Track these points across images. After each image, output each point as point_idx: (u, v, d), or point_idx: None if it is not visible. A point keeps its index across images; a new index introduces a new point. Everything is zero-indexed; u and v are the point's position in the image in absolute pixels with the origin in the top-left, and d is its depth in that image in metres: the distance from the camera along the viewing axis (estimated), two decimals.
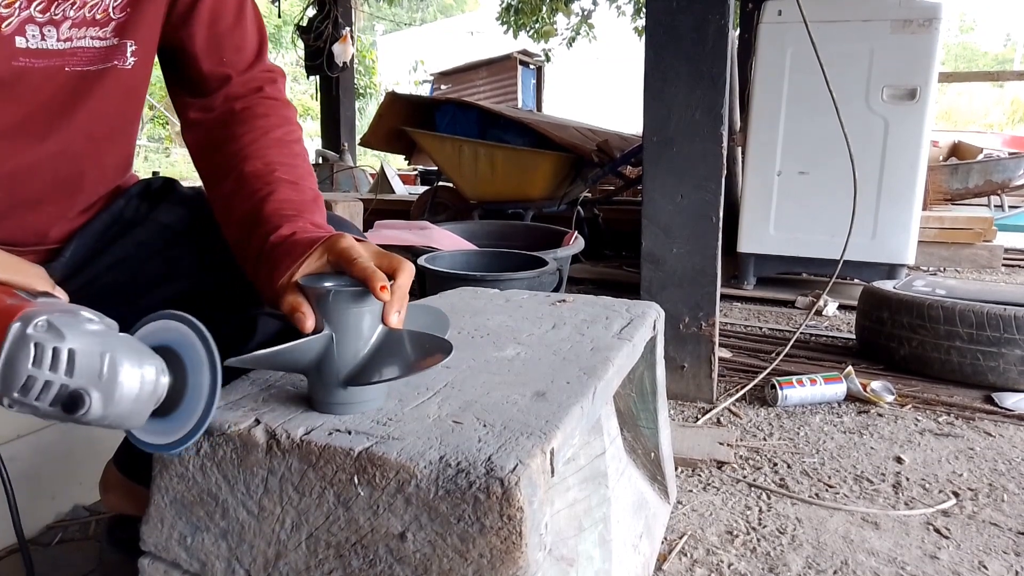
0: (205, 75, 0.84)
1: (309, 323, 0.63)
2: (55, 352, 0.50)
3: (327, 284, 0.64)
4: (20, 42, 0.68)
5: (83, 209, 0.85)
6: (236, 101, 0.85)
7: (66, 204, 0.82)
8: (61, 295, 0.60)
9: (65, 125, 0.75)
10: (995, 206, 4.82)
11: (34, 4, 0.67)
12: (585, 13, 8.69)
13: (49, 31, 0.69)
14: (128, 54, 0.76)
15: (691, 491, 1.33)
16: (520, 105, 9.13)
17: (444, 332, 0.75)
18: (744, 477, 1.39)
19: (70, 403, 0.50)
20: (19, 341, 0.49)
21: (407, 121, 4.16)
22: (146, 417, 0.55)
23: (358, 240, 0.69)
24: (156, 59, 0.85)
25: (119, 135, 0.84)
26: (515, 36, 8.66)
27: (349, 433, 0.60)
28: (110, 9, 0.73)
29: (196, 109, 0.86)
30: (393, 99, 4.25)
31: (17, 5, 0.66)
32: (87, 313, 0.55)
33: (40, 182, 0.77)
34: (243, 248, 0.76)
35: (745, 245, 3.10)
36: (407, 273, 0.66)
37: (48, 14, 0.69)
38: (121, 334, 0.56)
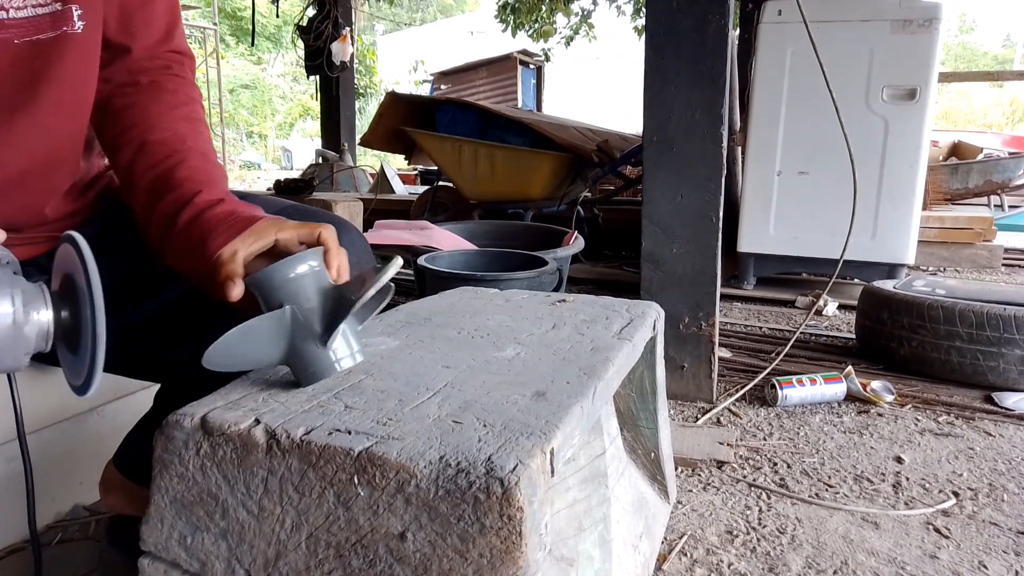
0: (111, 42, 0.82)
1: (236, 290, 0.65)
2: None
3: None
4: None
5: (72, 185, 0.85)
6: (142, 75, 0.84)
7: (49, 179, 0.81)
8: None
9: (31, 97, 0.74)
10: (995, 206, 4.82)
11: None
12: (585, 13, 8.70)
13: None
14: (75, 18, 0.75)
15: (691, 491, 1.33)
16: (520, 105, 9.13)
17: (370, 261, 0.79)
18: (744, 477, 1.39)
19: None
20: None
21: (407, 121, 4.16)
22: (21, 355, 0.51)
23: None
24: None
25: (85, 102, 0.82)
26: (513, 35, 8.67)
27: (349, 433, 0.60)
28: None
29: (101, 80, 0.84)
30: (393, 99, 4.25)
31: None
32: None
33: (17, 157, 0.76)
34: (149, 213, 0.76)
35: (745, 245, 3.10)
36: (343, 254, 0.70)
37: None
38: None
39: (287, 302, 0.64)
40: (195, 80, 0.91)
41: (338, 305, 0.65)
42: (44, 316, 0.51)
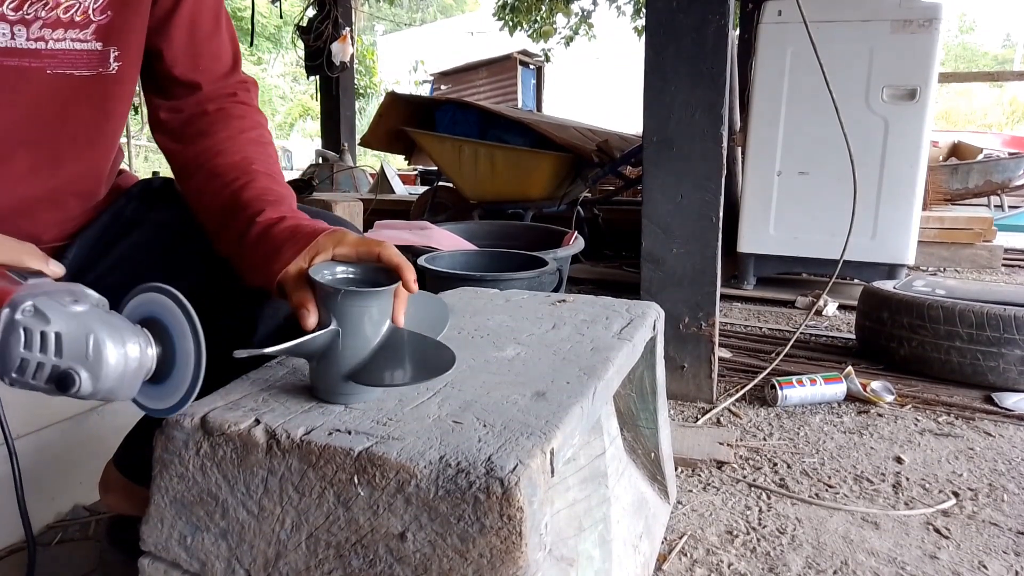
0: (178, 80, 0.85)
1: (311, 320, 0.64)
2: (43, 335, 0.53)
3: (338, 275, 0.67)
4: None
5: (79, 214, 0.86)
6: (209, 103, 0.86)
7: (61, 212, 0.83)
8: (56, 270, 0.62)
9: (57, 131, 0.75)
10: (995, 206, 4.82)
11: (7, 2, 0.67)
12: (585, 13, 8.70)
13: (19, 30, 0.69)
14: (111, 59, 0.76)
15: (691, 491, 1.33)
16: (520, 105, 9.13)
17: (445, 322, 0.77)
18: (744, 477, 1.39)
19: (61, 381, 0.54)
20: (9, 327, 0.53)
21: (407, 121, 4.15)
22: (136, 388, 0.58)
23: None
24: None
25: (110, 140, 0.84)
26: (511, 33, 8.67)
27: (349, 433, 0.60)
28: (90, 11, 0.73)
29: (165, 110, 0.86)
30: (393, 99, 4.25)
31: None
32: (78, 290, 0.58)
33: (35, 190, 0.77)
34: (221, 234, 0.77)
35: (745, 245, 3.10)
36: (412, 269, 0.68)
37: (20, 13, 0.69)
38: (106, 312, 0.58)
39: (340, 324, 0.64)
40: (258, 104, 0.92)
41: (391, 358, 0.65)
42: (151, 353, 0.58)
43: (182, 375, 0.58)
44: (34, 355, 0.53)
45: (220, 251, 0.78)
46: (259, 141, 0.85)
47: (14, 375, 0.54)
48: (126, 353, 0.56)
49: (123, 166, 0.97)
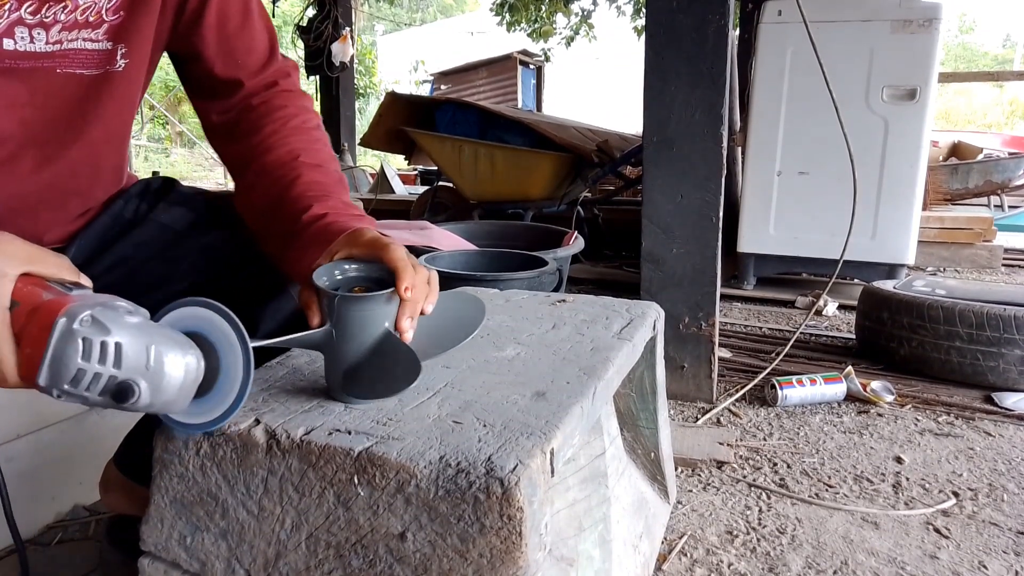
0: (220, 79, 0.85)
1: (315, 320, 0.66)
2: (103, 346, 0.52)
3: (348, 274, 0.68)
4: (8, 44, 0.68)
5: (79, 214, 0.86)
6: (253, 97, 0.86)
7: (62, 211, 0.83)
8: (87, 283, 0.61)
9: (64, 131, 0.75)
10: (995, 206, 4.81)
11: (25, 6, 0.67)
12: (585, 13, 8.70)
13: (38, 33, 0.69)
14: (118, 56, 0.76)
15: (691, 491, 1.33)
16: (520, 105, 9.13)
17: (475, 325, 0.76)
18: (744, 477, 1.39)
19: (119, 393, 0.53)
20: (67, 336, 0.51)
21: (407, 121, 4.15)
22: (189, 401, 0.57)
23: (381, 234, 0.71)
24: (174, 70, 0.87)
25: (115, 140, 0.84)
26: (508, 30, 8.68)
27: (349, 433, 0.60)
28: (103, 11, 0.73)
29: (216, 112, 0.87)
30: (393, 99, 4.25)
31: (8, 7, 0.66)
32: (122, 304, 0.57)
33: (38, 189, 0.77)
34: (268, 230, 0.78)
35: (745, 245, 3.10)
36: (410, 275, 0.66)
37: (38, 16, 0.69)
38: (158, 324, 0.57)
39: (333, 326, 0.65)
40: (300, 86, 0.92)
41: (383, 365, 0.65)
42: (203, 365, 0.57)
43: (224, 390, 0.57)
44: (92, 366, 0.52)
45: (266, 248, 0.79)
46: (304, 128, 0.85)
47: (66, 387, 0.52)
48: (186, 364, 0.55)
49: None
